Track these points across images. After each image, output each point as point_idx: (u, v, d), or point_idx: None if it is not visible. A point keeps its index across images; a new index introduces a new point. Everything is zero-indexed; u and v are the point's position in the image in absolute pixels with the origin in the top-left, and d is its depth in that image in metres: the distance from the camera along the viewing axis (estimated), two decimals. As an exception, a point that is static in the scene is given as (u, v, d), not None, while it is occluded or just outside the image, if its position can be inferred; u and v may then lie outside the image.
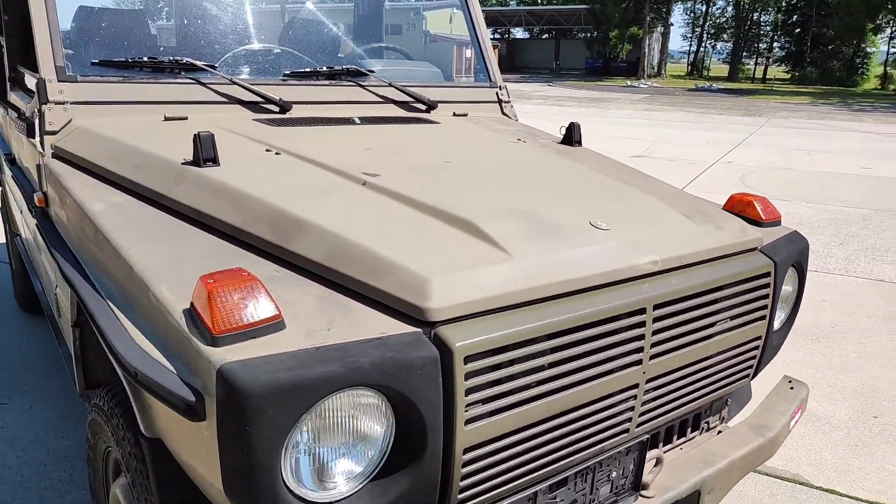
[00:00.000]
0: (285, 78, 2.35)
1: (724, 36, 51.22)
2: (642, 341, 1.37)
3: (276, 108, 2.22)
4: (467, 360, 1.10)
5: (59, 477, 2.44)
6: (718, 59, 62.17)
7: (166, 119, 2.02)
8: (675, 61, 66.07)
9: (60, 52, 1.95)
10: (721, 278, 1.52)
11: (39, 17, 1.95)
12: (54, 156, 1.86)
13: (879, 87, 40.28)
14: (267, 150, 1.75)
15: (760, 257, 1.66)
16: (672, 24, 46.50)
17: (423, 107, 2.56)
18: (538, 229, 1.36)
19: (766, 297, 1.66)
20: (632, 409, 1.42)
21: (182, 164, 1.59)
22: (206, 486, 1.11)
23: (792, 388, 1.95)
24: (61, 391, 3.04)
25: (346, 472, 1.10)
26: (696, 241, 1.53)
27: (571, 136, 2.29)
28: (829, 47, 42.94)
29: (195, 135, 1.58)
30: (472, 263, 1.21)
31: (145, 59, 2.09)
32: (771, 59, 49.71)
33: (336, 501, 1.09)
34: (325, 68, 2.44)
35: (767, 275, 1.64)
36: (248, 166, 1.62)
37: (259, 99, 2.20)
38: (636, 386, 1.40)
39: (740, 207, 1.92)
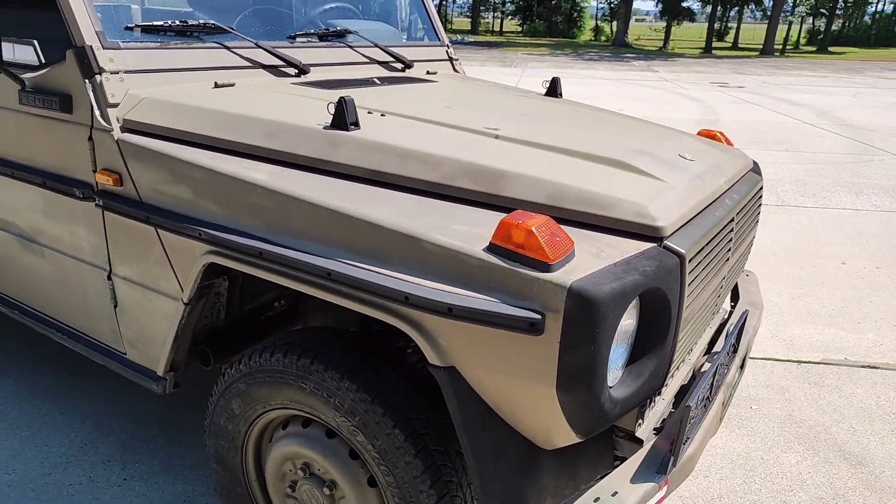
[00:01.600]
0: (291, 40, 2.35)
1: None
2: (731, 242, 1.81)
3: (294, 72, 2.23)
4: (690, 261, 1.44)
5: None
6: (460, 14, 65.69)
7: (217, 86, 1.97)
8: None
9: (97, 16, 1.79)
10: (754, 190, 2.02)
11: None
12: (124, 129, 1.74)
13: (593, 38, 46.03)
14: (369, 113, 1.83)
15: (758, 176, 2.19)
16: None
17: (401, 66, 2.71)
18: (661, 162, 1.71)
19: (760, 205, 2.21)
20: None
21: (326, 128, 1.64)
22: (519, 396, 1.30)
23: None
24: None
25: (614, 363, 1.39)
26: (735, 163, 2.00)
27: (556, 90, 2.63)
28: (553, 2, 47.80)
29: (341, 99, 1.63)
30: (658, 191, 1.53)
31: (177, 22, 1.98)
32: (505, 13, 53.91)
33: (611, 386, 1.37)
34: (322, 30, 2.47)
35: (761, 188, 2.19)
36: (384, 128, 1.71)
37: (279, 63, 2.21)
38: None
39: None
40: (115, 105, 1.75)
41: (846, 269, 4.55)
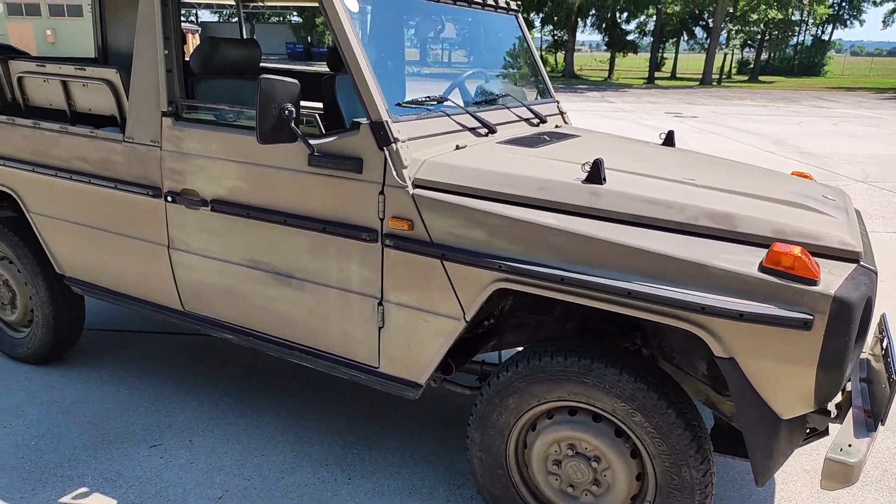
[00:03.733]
0: (478, 106, 2.85)
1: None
2: None
3: (485, 131, 2.74)
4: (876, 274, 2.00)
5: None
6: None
7: (458, 148, 2.45)
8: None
9: (384, 97, 2.26)
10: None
11: (362, 64, 2.23)
12: (415, 186, 2.21)
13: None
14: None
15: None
16: (366, 12, 48.67)
17: (536, 121, 3.25)
18: (821, 202, 2.28)
19: None
20: None
21: (584, 182, 2.14)
22: (783, 376, 1.82)
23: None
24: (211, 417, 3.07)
25: None
26: (845, 198, 2.58)
27: (672, 141, 3.21)
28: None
29: (596, 160, 2.15)
30: (838, 225, 2.09)
31: (425, 98, 2.47)
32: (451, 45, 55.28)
33: None
34: (493, 96, 2.99)
35: None
36: (617, 181, 2.23)
37: (478, 125, 2.71)
38: None
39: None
40: (406, 167, 2.21)
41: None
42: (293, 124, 2.21)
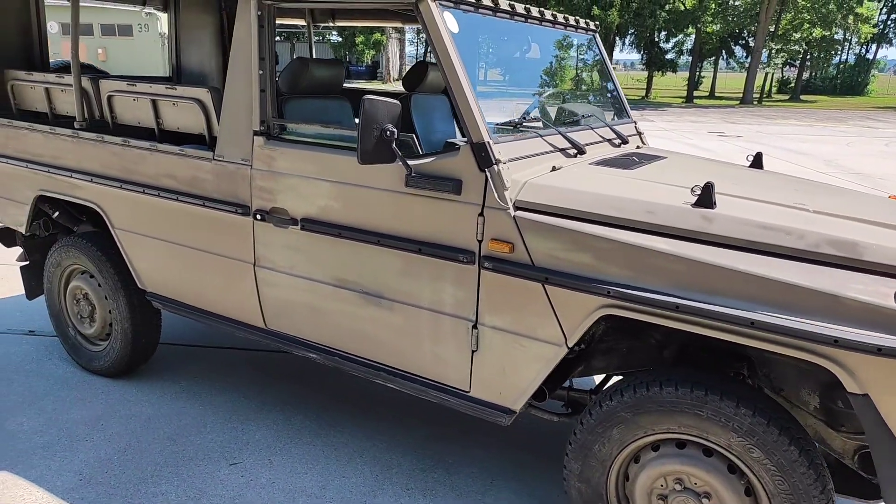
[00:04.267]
0: (567, 126, 2.82)
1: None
2: None
3: (574, 152, 2.69)
4: None
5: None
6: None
7: (553, 169, 2.41)
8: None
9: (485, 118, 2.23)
10: None
11: (465, 85, 2.21)
12: (516, 208, 2.17)
13: (575, 87, 47.65)
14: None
15: None
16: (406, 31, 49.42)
17: (618, 141, 3.19)
18: None
19: None
20: None
21: (695, 206, 2.08)
22: None
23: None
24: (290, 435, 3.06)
25: None
26: None
27: (760, 162, 3.12)
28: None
29: (707, 184, 2.08)
30: None
31: (521, 118, 2.44)
32: (489, 64, 55.60)
33: None
34: (576, 117, 2.95)
35: None
36: (727, 206, 2.16)
37: (568, 146, 2.66)
38: None
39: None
40: (507, 188, 2.18)
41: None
42: (394, 145, 2.20)
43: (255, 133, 2.66)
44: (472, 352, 2.35)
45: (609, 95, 3.55)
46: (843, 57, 50.10)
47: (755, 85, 36.19)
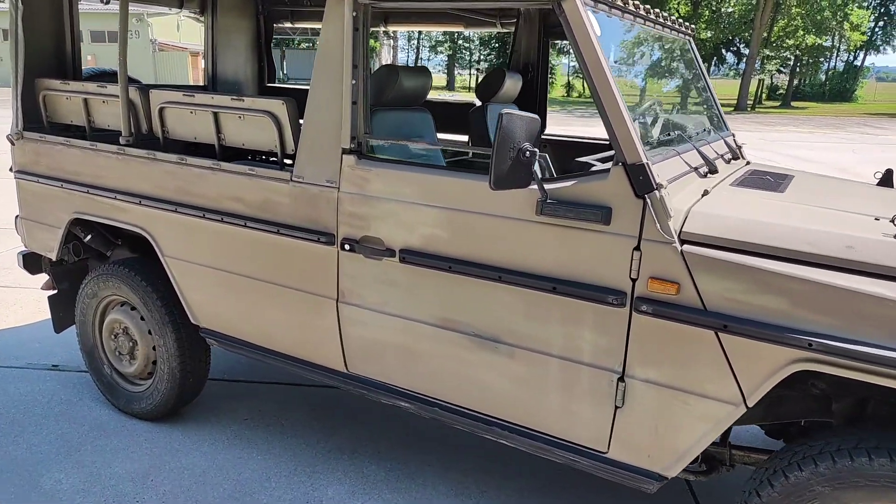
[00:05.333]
0: (693, 142, 2.49)
1: (441, 49, 55.88)
2: None
3: (705, 170, 2.37)
4: None
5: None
6: (437, 70, 67.67)
7: (705, 193, 2.08)
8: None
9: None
10: None
11: (618, 96, 1.88)
12: (682, 241, 1.84)
13: (566, 94, 47.60)
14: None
15: None
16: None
17: (730, 156, 2.88)
18: None
19: None
20: None
21: (899, 239, 1.76)
22: None
23: None
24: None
25: None
26: None
27: (891, 181, 2.81)
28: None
29: None
30: None
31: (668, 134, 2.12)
32: (480, 71, 55.51)
33: None
34: (685, 130, 2.63)
35: None
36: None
37: (701, 164, 2.34)
38: None
39: None
40: (671, 217, 1.85)
41: None
42: (535, 168, 1.86)
43: (345, 151, 2.31)
44: (616, 408, 2.01)
45: (706, 106, 3.24)
46: (832, 64, 50.49)
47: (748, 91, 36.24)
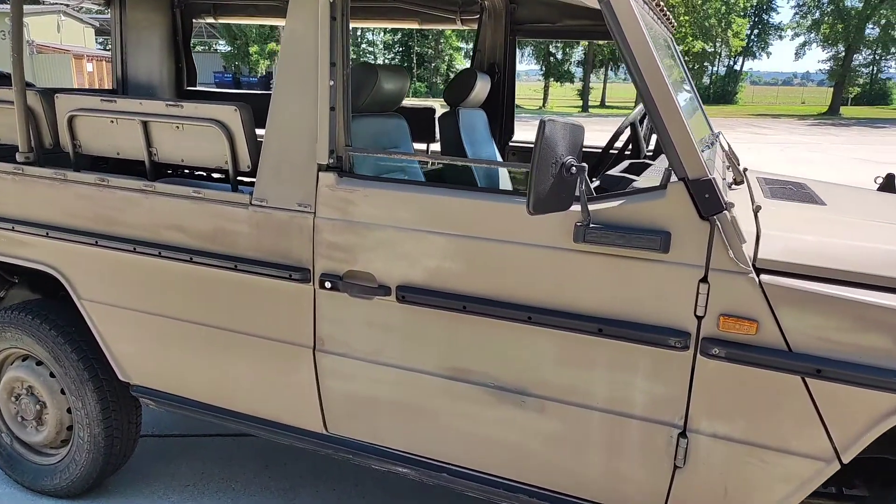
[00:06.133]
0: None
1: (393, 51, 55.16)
2: None
3: (731, 179, 2.12)
4: None
5: None
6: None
7: (758, 210, 1.80)
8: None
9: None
10: None
11: (675, 101, 1.57)
12: (759, 270, 1.54)
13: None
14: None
15: None
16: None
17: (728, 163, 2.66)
18: None
19: None
20: None
21: None
22: None
23: None
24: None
25: None
26: None
27: (893, 186, 2.67)
28: (432, 64, 49.61)
29: None
30: None
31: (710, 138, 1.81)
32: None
33: None
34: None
35: None
36: None
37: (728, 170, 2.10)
38: None
39: None
40: (744, 242, 1.55)
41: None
42: (582, 186, 1.52)
43: (321, 168, 1.87)
44: (675, 468, 1.69)
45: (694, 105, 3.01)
46: (715, 69, 53.72)
47: (643, 94, 37.90)
